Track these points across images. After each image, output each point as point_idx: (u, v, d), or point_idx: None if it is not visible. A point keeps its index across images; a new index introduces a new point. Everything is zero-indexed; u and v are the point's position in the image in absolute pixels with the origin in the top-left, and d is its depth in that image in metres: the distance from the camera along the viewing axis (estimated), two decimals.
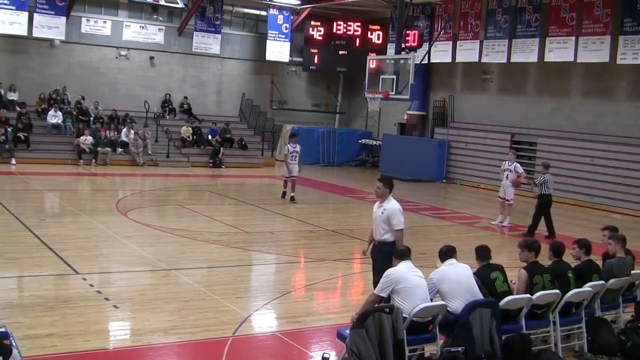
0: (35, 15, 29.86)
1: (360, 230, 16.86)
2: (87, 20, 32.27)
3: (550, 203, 18.23)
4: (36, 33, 30.11)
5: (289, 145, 21.92)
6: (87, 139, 29.01)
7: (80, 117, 30.88)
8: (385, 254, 9.49)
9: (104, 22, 32.62)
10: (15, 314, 9.40)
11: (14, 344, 5.89)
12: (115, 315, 10.03)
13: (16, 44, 30.88)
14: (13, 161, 27.28)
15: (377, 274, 9.10)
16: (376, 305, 7.81)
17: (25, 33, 29.78)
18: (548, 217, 18.18)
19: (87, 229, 15.97)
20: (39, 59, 31.58)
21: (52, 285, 11.39)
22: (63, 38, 30.94)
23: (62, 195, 21.20)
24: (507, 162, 20.08)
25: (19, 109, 30.01)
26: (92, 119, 31.06)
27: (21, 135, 28.37)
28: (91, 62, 32.56)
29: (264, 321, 10.40)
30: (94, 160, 28.86)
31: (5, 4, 29.15)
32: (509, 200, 19.83)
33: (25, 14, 29.49)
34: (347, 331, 7.46)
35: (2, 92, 30.51)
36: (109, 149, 29.38)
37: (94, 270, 12.31)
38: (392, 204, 9.73)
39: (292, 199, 21.67)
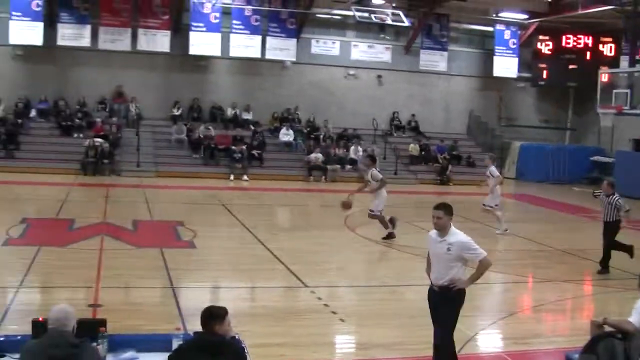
0: (268, 39, 31.28)
1: (593, 251, 15.86)
2: (317, 41, 33.25)
3: None
4: (269, 55, 31.49)
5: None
6: (317, 157, 29.78)
7: (311, 135, 31.79)
8: (453, 301, 7.75)
9: (333, 42, 33.48)
10: (247, 322, 9.63)
11: (246, 351, 6.01)
12: (341, 328, 10.02)
13: (250, 66, 32.39)
14: (245, 177, 28.53)
15: (443, 325, 7.74)
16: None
17: (259, 55, 31.24)
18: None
19: (316, 244, 16.24)
20: (271, 79, 32.91)
21: (282, 297, 11.62)
22: (294, 59, 32.12)
23: (293, 211, 21.81)
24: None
25: (253, 127, 31.41)
26: (322, 136, 31.87)
27: (255, 152, 29.66)
28: (321, 82, 33.46)
29: (490, 341, 10.00)
30: (323, 177, 29.57)
31: (241, 29, 30.71)
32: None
33: (259, 38, 30.95)
34: (576, 356, 6.93)
35: (238, 112, 32.08)
36: (338, 166, 29.98)
37: (322, 283, 12.40)
38: (459, 237, 7.71)
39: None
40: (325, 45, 33.50)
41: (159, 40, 30.63)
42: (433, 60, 34.15)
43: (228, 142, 30.15)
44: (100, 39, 30.19)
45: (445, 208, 7.70)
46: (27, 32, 29.50)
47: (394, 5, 29.66)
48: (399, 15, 27.89)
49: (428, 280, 7.95)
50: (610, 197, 13.93)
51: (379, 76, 34.37)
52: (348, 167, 30.58)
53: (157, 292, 11.61)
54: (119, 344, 6.37)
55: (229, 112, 32.27)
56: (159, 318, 9.89)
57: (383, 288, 12.40)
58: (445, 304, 7.70)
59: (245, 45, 31.19)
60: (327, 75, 33.65)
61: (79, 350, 5.20)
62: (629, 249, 14.20)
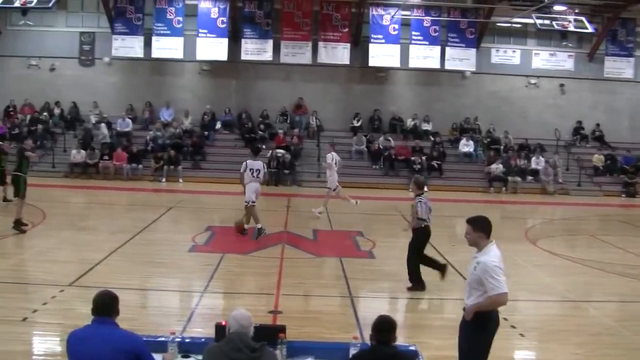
0: (447, 49, 31.15)
1: None
2: (497, 50, 32.76)
3: None
4: (448, 66, 31.38)
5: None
6: (497, 167, 29.29)
7: (491, 145, 31.30)
8: (473, 330, 6.98)
9: (513, 51, 32.87)
10: (424, 334, 9.62)
11: None
12: (521, 343, 9.83)
13: (430, 76, 32.40)
14: (425, 188, 28.40)
15: (462, 354, 7.14)
16: None
17: (438, 66, 31.21)
18: None
19: None
20: (450, 90, 32.73)
21: (459, 309, 11.49)
22: (474, 69, 31.76)
23: None
24: None
25: (432, 138, 31.31)
26: (502, 147, 31.31)
27: (435, 163, 29.56)
28: (501, 92, 32.89)
29: None
30: (504, 188, 29.04)
31: (420, 40, 30.80)
32: None
33: (438, 48, 30.99)
34: None
35: (418, 122, 32.09)
36: (518, 177, 29.36)
37: None
38: (487, 257, 6.85)
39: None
40: (506, 54, 32.93)
41: (339, 53, 31.23)
42: (618, 67, 32.77)
43: (408, 153, 30.24)
44: (281, 53, 31.24)
45: (474, 223, 6.99)
46: (212, 48, 31.13)
47: (576, 11, 28.73)
48: (582, 21, 27.07)
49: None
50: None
51: (562, 85, 33.36)
52: (529, 178, 29.87)
53: (336, 300, 11.81)
54: (297, 350, 6.55)
55: (409, 123, 32.35)
56: (336, 326, 10.08)
57: (564, 303, 12.04)
58: (466, 329, 7.08)
59: (424, 56, 31.24)
60: (507, 85, 33.04)
61: (259, 355, 5.40)
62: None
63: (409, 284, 12.49)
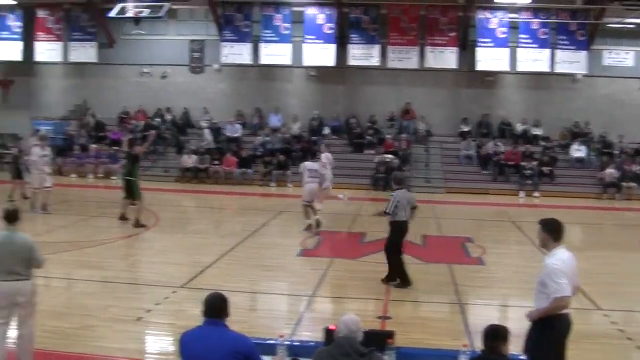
0: (557, 52, 30.44)
1: None
2: (609, 52, 31.75)
3: None
4: (558, 69, 30.68)
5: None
6: (612, 173, 28.44)
7: (604, 150, 30.39)
8: (542, 333, 6.90)
9: (627, 53, 31.76)
10: None
11: None
12: (638, 356, 9.49)
13: (539, 80, 31.75)
14: (536, 194, 27.95)
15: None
16: None
17: (548, 69, 30.57)
18: None
19: (610, 265, 15.50)
20: (561, 94, 31.94)
21: (573, 319, 11.20)
22: (585, 72, 30.91)
23: (586, 230, 20.99)
24: None
25: (543, 143, 30.66)
26: (616, 152, 30.35)
27: (546, 169, 28.92)
28: (614, 95, 31.84)
29: None
30: (617, 195, 28.14)
31: (529, 43, 30.25)
32: None
33: (548, 51, 30.35)
34: None
35: (528, 127, 31.48)
36: (634, 183, 28.38)
37: (617, 307, 11.79)
38: (552, 260, 6.86)
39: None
40: (618, 57, 31.82)
41: (446, 58, 30.95)
42: None
43: (518, 158, 29.68)
44: (389, 58, 31.21)
45: (544, 225, 7.10)
46: (319, 54, 31.37)
47: None
48: None
49: None
50: None
51: None
52: None
53: (445, 307, 11.72)
54: (406, 356, 6.56)
55: (519, 127, 31.76)
56: (445, 333, 10.02)
57: None
58: (533, 333, 7.04)
59: (533, 59, 30.62)
60: (620, 88, 31.91)
61: None
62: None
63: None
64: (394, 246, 12.79)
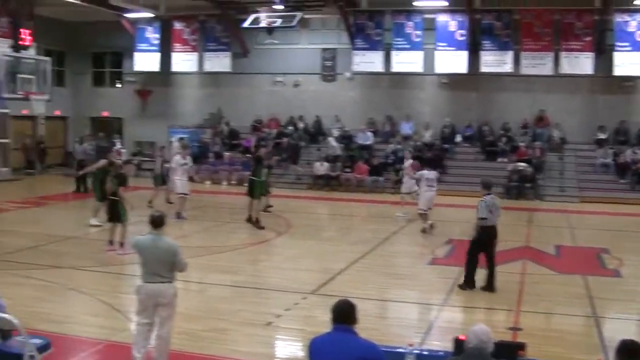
0: None
1: None
2: None
3: None
4: None
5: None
6: None
7: None
8: None
9: None
10: None
11: None
12: None
13: None
14: None
15: None
16: None
17: None
18: None
19: None
20: None
21: None
22: None
23: None
24: None
25: None
26: None
27: None
28: None
29: None
30: None
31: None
32: None
33: None
34: None
35: None
36: None
37: None
38: None
39: None
40: None
41: (581, 63, 30.12)
42: None
43: None
44: (522, 64, 30.68)
45: None
46: (452, 61, 31.23)
47: None
48: None
49: None
50: None
51: None
52: None
53: (579, 320, 11.50)
54: None
55: None
56: (578, 347, 9.84)
57: None
58: None
59: None
60: None
61: None
62: None
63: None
64: (475, 245, 13.12)
